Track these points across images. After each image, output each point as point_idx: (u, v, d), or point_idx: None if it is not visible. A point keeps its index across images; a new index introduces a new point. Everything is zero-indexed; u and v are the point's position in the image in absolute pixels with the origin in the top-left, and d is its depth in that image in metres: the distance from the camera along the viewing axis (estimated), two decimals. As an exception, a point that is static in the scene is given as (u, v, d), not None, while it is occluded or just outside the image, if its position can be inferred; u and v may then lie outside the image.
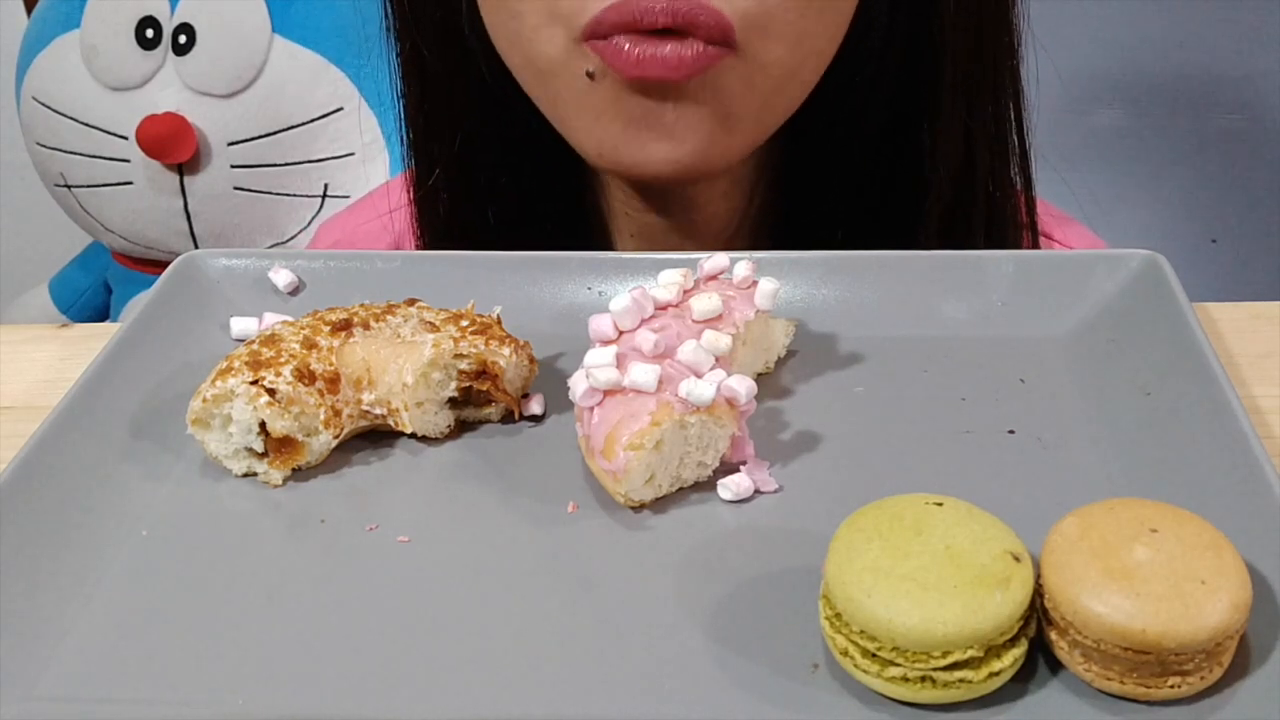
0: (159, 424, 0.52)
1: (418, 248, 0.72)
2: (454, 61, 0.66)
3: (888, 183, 0.66)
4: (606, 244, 0.72)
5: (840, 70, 0.62)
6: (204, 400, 0.49)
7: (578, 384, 0.48)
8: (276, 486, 0.50)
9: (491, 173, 0.68)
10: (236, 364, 0.50)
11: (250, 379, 0.49)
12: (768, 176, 0.69)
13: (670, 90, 0.56)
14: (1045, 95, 0.69)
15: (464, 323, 0.53)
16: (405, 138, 0.70)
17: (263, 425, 0.49)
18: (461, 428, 0.53)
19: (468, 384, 0.52)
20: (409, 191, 0.72)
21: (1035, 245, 0.70)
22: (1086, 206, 0.79)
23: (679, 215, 0.69)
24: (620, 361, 0.48)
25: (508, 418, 0.53)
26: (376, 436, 0.52)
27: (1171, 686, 0.38)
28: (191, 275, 0.60)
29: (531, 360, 0.53)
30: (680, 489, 0.48)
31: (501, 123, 0.66)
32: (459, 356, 0.51)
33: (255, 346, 0.51)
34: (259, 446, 0.49)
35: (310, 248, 0.86)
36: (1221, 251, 1.69)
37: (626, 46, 0.55)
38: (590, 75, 0.57)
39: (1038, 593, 0.40)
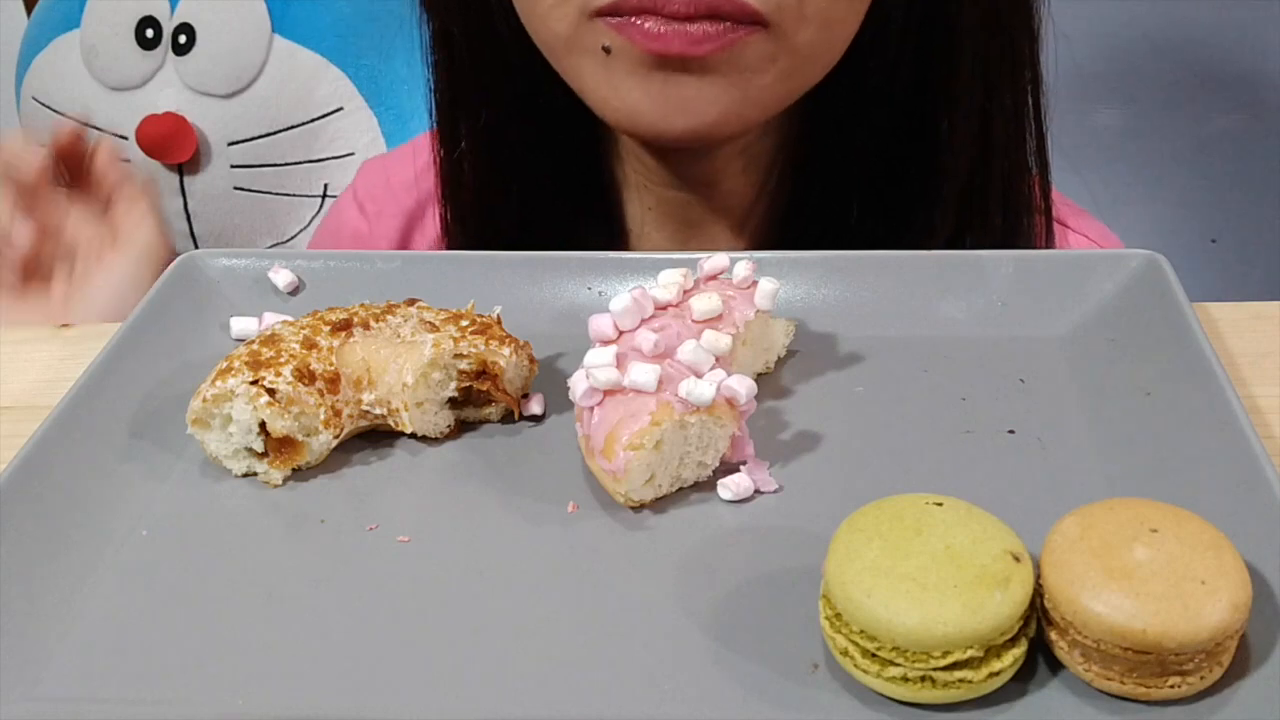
0: (159, 424, 0.52)
1: (441, 216, 0.73)
2: (481, 41, 0.67)
3: (904, 164, 0.66)
4: (624, 218, 0.73)
5: (860, 52, 0.62)
6: (204, 400, 0.49)
7: (578, 384, 0.48)
8: (276, 486, 0.50)
9: (515, 148, 0.69)
10: (236, 364, 0.50)
11: (250, 379, 0.49)
12: (786, 154, 0.69)
13: (691, 64, 0.56)
14: (1050, 87, 0.69)
15: (464, 323, 0.53)
16: (433, 111, 0.72)
17: (263, 425, 0.49)
18: (461, 428, 0.53)
19: (468, 384, 0.52)
20: (435, 158, 0.73)
21: (1049, 230, 0.71)
22: (1087, 206, 0.79)
23: (698, 190, 0.70)
24: (620, 361, 0.48)
25: (508, 418, 0.53)
26: (376, 436, 0.52)
27: (1171, 686, 0.38)
28: (191, 275, 0.60)
29: (531, 360, 0.53)
30: (680, 489, 0.48)
31: (526, 101, 0.67)
32: (459, 356, 0.51)
33: (255, 346, 0.51)
34: (259, 446, 0.49)
35: (355, 184, 0.88)
36: (1221, 251, 1.69)
37: (648, 24, 0.55)
38: (607, 50, 0.57)
39: (1038, 593, 0.40)
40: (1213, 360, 0.50)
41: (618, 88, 0.58)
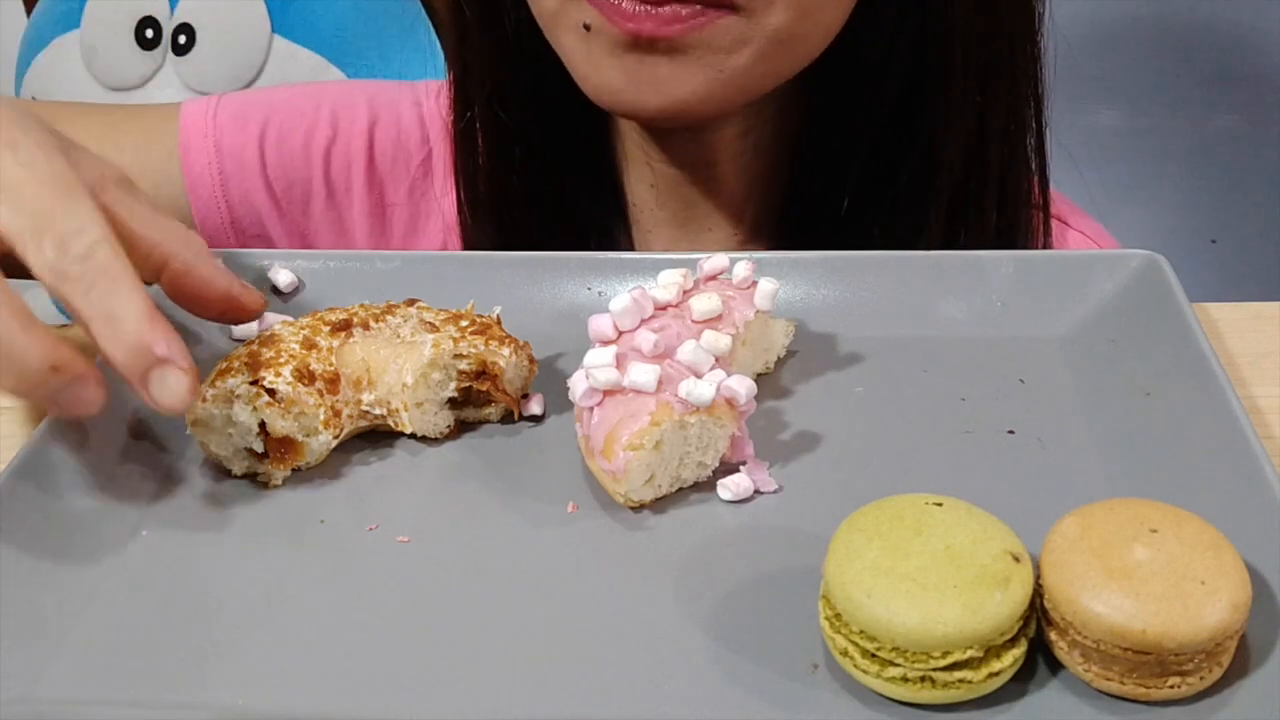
0: (159, 424, 0.52)
1: (455, 184, 0.73)
2: (486, 13, 0.68)
3: (900, 155, 0.67)
4: (626, 194, 0.73)
5: (855, 43, 0.62)
6: (203, 400, 0.49)
7: (578, 384, 0.48)
8: (276, 486, 0.50)
9: (520, 119, 0.70)
10: (236, 364, 0.50)
11: (250, 379, 0.49)
12: (785, 141, 0.69)
13: (661, 44, 0.57)
14: (1049, 85, 0.69)
15: (464, 323, 0.53)
16: (449, 78, 0.73)
17: (263, 425, 0.49)
18: (461, 428, 0.53)
19: (467, 384, 0.52)
20: (448, 125, 0.73)
21: (1047, 227, 0.71)
22: (1086, 205, 0.79)
23: (698, 171, 0.70)
24: (620, 361, 0.48)
25: (508, 418, 0.53)
26: (376, 436, 0.52)
27: (1171, 687, 0.38)
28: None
29: (531, 360, 0.53)
30: (680, 489, 0.48)
31: (530, 72, 0.68)
32: (459, 357, 0.51)
33: (255, 347, 0.51)
34: (259, 447, 0.49)
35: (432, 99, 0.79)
36: (1221, 251, 1.69)
37: (623, 5, 0.56)
38: (587, 27, 0.58)
39: (1037, 593, 0.40)
40: (1213, 360, 0.50)
41: (597, 65, 0.59)
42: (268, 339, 0.52)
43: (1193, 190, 1.70)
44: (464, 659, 0.42)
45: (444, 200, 0.76)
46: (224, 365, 0.50)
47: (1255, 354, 0.56)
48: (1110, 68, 1.65)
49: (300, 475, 0.50)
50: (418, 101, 0.78)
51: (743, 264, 0.54)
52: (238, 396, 0.49)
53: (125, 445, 0.51)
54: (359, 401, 0.51)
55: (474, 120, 0.71)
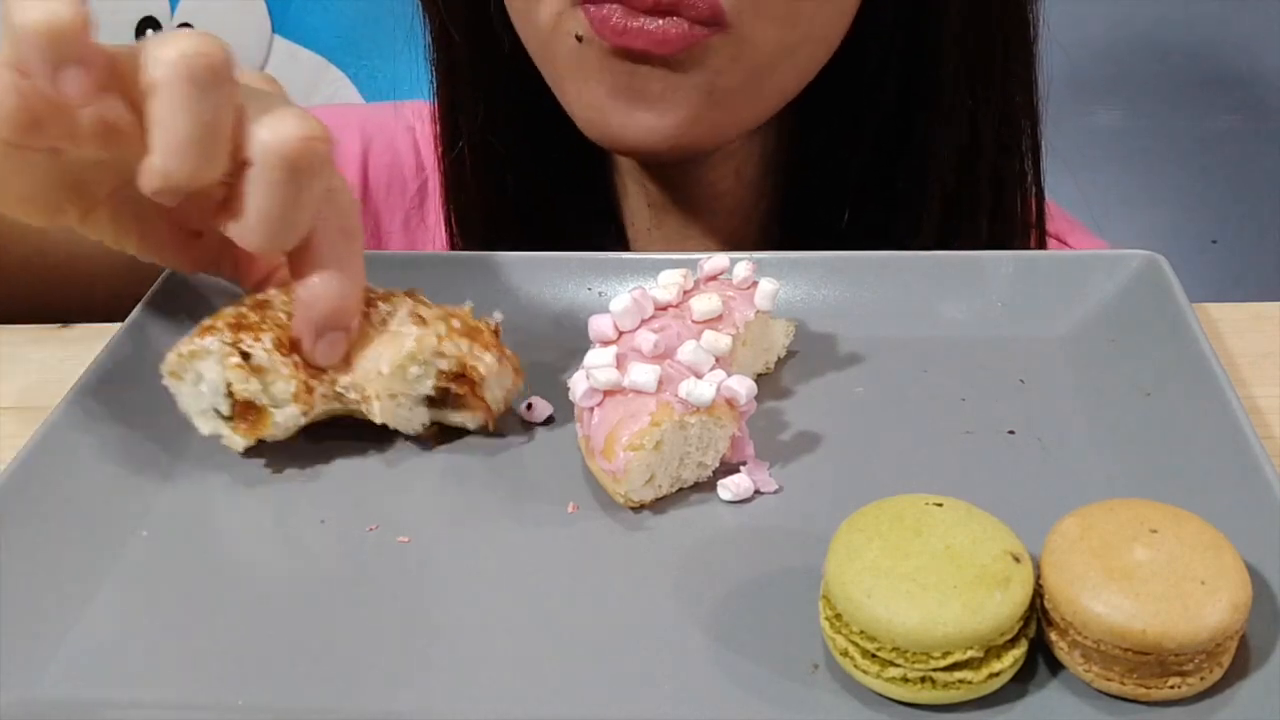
0: (158, 424, 0.52)
1: (444, 211, 0.73)
2: (478, 42, 0.67)
3: (893, 170, 0.67)
4: (621, 219, 0.73)
5: (849, 55, 0.62)
6: (179, 355, 0.49)
7: (578, 384, 0.48)
8: (239, 454, 0.50)
9: (512, 147, 0.70)
10: (220, 324, 0.49)
11: (230, 340, 0.48)
12: (781, 158, 0.69)
13: (655, 61, 0.57)
14: (1045, 95, 0.69)
15: (455, 322, 0.52)
16: (435, 107, 0.72)
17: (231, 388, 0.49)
18: (452, 429, 0.52)
19: (446, 385, 0.51)
20: (437, 155, 0.73)
21: (1042, 245, 0.71)
22: (1086, 207, 0.79)
23: (693, 193, 0.70)
24: (620, 362, 0.48)
25: (486, 428, 0.52)
26: (376, 436, 0.52)
27: (1171, 687, 0.38)
28: (191, 275, 0.60)
29: (518, 372, 0.52)
30: (680, 489, 0.48)
31: (522, 99, 0.68)
32: (439, 355, 0.50)
33: (244, 309, 0.50)
34: (225, 409, 0.49)
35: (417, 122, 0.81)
36: (1221, 251, 1.69)
37: (614, 18, 0.56)
38: (579, 38, 0.58)
39: (1038, 593, 0.40)
40: (1213, 360, 0.50)
41: (587, 80, 0.59)
42: (258, 303, 0.51)
43: (1193, 190, 1.69)
44: (464, 659, 0.42)
45: (438, 228, 0.76)
46: (209, 323, 0.50)
47: (1255, 354, 0.56)
48: (1109, 68, 1.65)
49: (300, 475, 0.50)
50: (410, 126, 0.78)
51: (743, 264, 0.54)
52: (211, 353, 0.48)
53: (125, 446, 0.51)
54: (334, 381, 0.50)
55: (464, 149, 0.70)
